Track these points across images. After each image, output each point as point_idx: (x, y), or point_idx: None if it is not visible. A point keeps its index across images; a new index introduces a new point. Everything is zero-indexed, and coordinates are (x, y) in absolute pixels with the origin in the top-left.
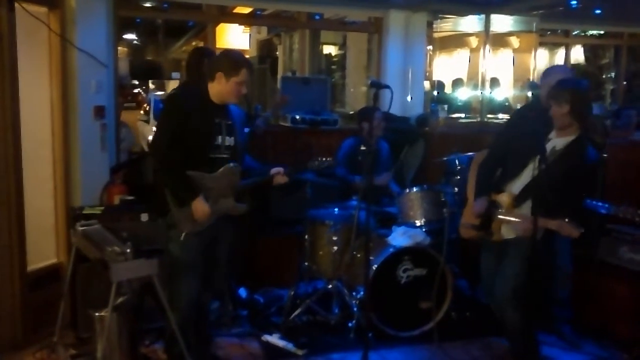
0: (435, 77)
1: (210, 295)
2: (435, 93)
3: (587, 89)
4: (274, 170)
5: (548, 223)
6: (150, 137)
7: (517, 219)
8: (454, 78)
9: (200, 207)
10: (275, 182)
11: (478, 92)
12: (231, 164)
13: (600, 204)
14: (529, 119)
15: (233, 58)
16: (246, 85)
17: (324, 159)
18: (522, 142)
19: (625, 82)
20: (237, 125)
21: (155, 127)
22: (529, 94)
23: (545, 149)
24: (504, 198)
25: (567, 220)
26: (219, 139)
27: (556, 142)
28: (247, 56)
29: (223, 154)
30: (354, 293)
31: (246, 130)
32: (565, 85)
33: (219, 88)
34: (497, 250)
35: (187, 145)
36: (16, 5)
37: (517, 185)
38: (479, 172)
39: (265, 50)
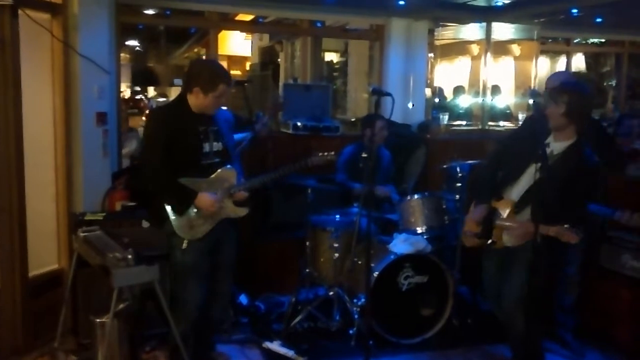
0: (436, 84)
1: (219, 306)
2: (436, 100)
3: (587, 93)
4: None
5: (547, 229)
6: None
7: (514, 225)
8: (454, 85)
9: (205, 200)
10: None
11: (479, 100)
12: (227, 167)
13: (604, 208)
14: (529, 124)
15: (210, 74)
16: (226, 96)
17: (325, 153)
18: (521, 147)
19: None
20: (223, 129)
21: (143, 141)
22: (530, 101)
23: (546, 154)
24: (503, 205)
25: (566, 226)
26: (207, 146)
27: (554, 146)
28: (248, 63)
29: (213, 159)
30: (355, 300)
31: (245, 135)
32: (565, 86)
33: (197, 102)
34: (500, 258)
35: (177, 156)
36: (19, 11)
37: (517, 191)
38: (478, 178)
39: (267, 56)
